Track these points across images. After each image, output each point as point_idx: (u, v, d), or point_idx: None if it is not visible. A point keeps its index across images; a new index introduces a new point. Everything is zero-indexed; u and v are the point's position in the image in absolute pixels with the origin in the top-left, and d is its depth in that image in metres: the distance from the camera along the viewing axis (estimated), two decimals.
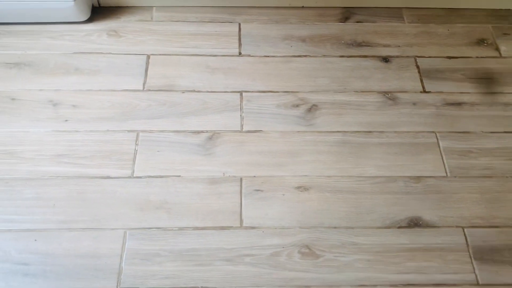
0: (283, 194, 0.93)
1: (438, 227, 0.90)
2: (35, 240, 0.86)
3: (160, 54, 1.13)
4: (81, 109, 1.03)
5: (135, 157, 0.97)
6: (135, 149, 0.98)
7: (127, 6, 1.21)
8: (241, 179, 0.95)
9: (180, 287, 0.82)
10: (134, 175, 0.94)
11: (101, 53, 1.12)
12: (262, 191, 0.94)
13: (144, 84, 1.07)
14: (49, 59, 1.10)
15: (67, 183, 0.93)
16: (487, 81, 1.11)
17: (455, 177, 0.97)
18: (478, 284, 0.84)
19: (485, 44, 1.18)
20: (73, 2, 1.11)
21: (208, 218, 0.90)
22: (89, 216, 0.89)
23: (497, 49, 1.17)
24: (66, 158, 0.96)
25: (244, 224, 0.89)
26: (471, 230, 0.90)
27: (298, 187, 0.94)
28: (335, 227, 0.90)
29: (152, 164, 0.96)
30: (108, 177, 0.94)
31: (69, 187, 0.92)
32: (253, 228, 0.89)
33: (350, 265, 0.86)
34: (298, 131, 1.02)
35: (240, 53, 1.14)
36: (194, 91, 1.07)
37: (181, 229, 0.88)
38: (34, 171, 0.94)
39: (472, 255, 0.87)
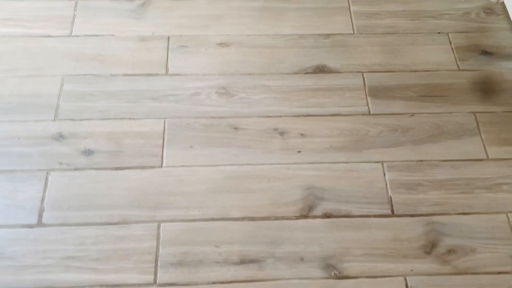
0: (206, 49, 1.05)
1: (340, 72, 1.03)
2: None
3: None
4: None
5: (73, 20, 1.07)
6: (74, 14, 1.08)
7: None
8: (168, 37, 1.06)
9: (110, 118, 0.95)
10: (72, 34, 1.05)
11: None
12: (187, 46, 1.05)
13: None
14: None
15: (13, 41, 1.04)
16: None
17: (361, 34, 1.08)
18: (369, 114, 0.97)
19: None
20: None
21: (137, 67, 1.01)
22: (32, 66, 1.00)
23: None
24: (12, 21, 1.06)
25: (169, 72, 1.01)
26: (370, 74, 1.03)
27: (220, 44, 1.06)
28: (249, 74, 1.02)
29: (89, 26, 1.07)
30: (49, 36, 1.05)
31: (14, 44, 1.03)
32: (177, 75, 1.01)
33: (260, 102, 0.98)
34: None
35: None
36: None
37: (112, 75, 1.00)
38: None
39: (367, 93, 1.00)
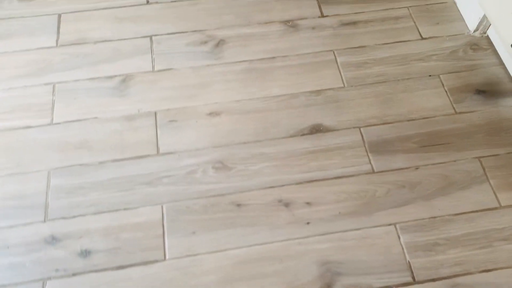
0: (196, 121, 1.01)
1: (337, 130, 0.99)
2: None
3: (71, 12, 1.17)
4: None
5: (53, 106, 1.02)
6: (53, 99, 1.03)
7: None
8: (155, 113, 1.02)
9: (104, 211, 0.89)
10: (54, 122, 1.00)
11: (13, 18, 1.16)
12: (176, 121, 1.01)
13: (57, 40, 1.12)
14: None
15: None
16: None
17: (351, 86, 1.06)
18: (373, 172, 0.94)
19: None
20: None
21: (127, 150, 0.96)
22: (13, 163, 0.94)
23: None
24: None
25: (160, 151, 0.97)
26: (367, 128, 1.00)
27: (210, 114, 1.02)
28: (244, 143, 0.98)
29: (70, 111, 1.01)
30: (29, 127, 0.99)
31: None
32: (169, 153, 0.96)
33: (260, 172, 0.94)
34: (208, 65, 1.09)
35: (147, 1, 1.19)
36: (105, 41, 1.12)
37: (101, 163, 0.95)
38: None
39: (368, 149, 0.97)
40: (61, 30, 1.13)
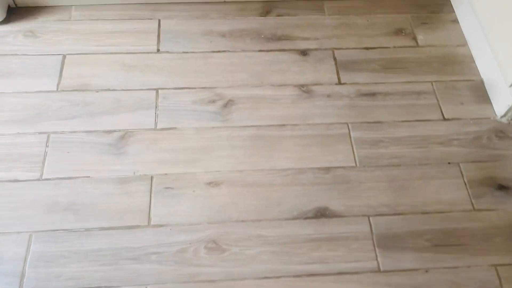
0: (194, 191, 0.94)
1: (344, 216, 0.92)
2: None
3: (76, 54, 1.11)
4: None
5: (44, 159, 0.96)
6: (45, 151, 0.97)
7: (45, 6, 1.19)
8: (151, 177, 0.95)
9: (83, 287, 0.82)
10: (43, 178, 0.93)
11: (16, 54, 1.10)
12: (172, 188, 0.94)
13: (58, 84, 1.06)
14: None
15: None
16: (402, 70, 1.13)
17: (364, 167, 0.98)
18: (379, 271, 0.86)
19: (403, 34, 1.19)
20: None
21: (116, 218, 0.90)
22: None
23: (414, 38, 1.18)
24: None
25: (152, 223, 0.90)
26: (376, 218, 0.92)
27: (209, 183, 0.95)
28: (243, 221, 0.91)
29: (62, 166, 0.95)
30: (16, 180, 0.93)
31: None
32: (160, 226, 0.90)
33: (255, 258, 0.87)
34: (213, 127, 1.02)
35: (158, 50, 1.13)
36: (109, 89, 1.06)
37: (87, 230, 0.88)
38: None
39: (375, 243, 0.89)
40: (63, 73, 1.08)
